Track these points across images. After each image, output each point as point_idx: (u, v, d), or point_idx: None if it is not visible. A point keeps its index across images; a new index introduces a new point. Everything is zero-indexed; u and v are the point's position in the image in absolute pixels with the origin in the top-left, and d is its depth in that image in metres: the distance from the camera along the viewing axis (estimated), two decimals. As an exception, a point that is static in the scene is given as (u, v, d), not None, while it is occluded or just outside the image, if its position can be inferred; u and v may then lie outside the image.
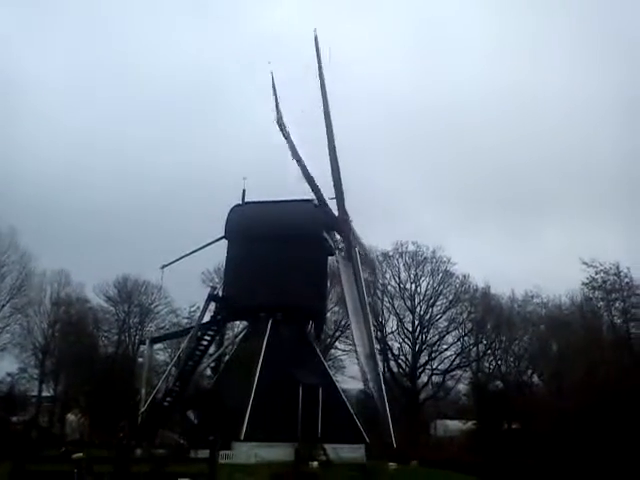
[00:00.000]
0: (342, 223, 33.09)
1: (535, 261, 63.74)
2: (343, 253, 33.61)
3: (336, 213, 33.11)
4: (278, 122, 32.00)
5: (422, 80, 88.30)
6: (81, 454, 14.18)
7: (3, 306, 39.49)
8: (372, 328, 32.07)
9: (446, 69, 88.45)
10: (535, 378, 46.17)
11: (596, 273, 39.60)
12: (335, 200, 32.69)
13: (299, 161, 31.83)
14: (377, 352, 32.54)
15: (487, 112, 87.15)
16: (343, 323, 47.69)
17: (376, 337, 46.55)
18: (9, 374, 48.41)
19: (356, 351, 32.39)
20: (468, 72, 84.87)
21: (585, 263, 39.15)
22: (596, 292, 41.13)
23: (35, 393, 47.59)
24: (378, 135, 72.16)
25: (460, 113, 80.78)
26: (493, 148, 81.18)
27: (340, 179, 31.91)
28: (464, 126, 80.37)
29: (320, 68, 31.85)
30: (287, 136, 32.11)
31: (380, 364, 32.66)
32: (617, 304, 40.61)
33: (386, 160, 73.65)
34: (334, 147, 31.51)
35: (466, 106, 78.25)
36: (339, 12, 79.51)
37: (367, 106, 73.92)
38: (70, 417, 36.31)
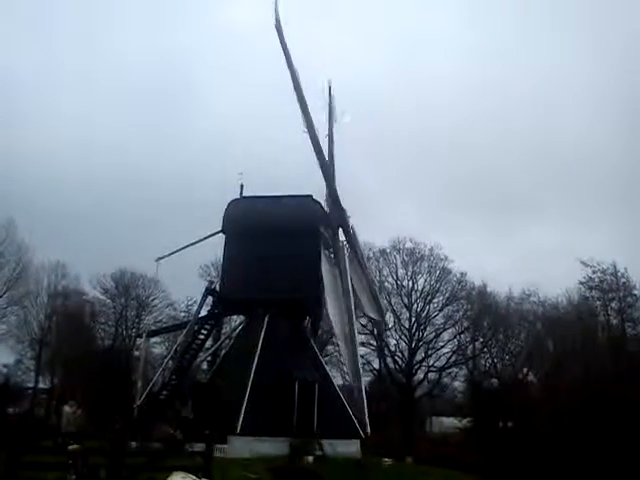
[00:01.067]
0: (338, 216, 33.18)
1: (532, 260, 63.87)
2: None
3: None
4: (277, 26, 30.42)
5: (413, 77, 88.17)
6: (77, 446, 14.16)
7: (0, 297, 39.40)
8: (353, 312, 31.99)
9: (429, 66, 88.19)
10: (531, 376, 46.28)
11: (593, 272, 39.80)
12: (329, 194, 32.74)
13: (291, 67, 30.76)
14: (357, 336, 32.51)
15: (477, 108, 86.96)
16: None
17: (372, 333, 46.93)
18: (5, 365, 48.47)
19: (333, 334, 32.65)
20: (457, 67, 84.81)
21: (583, 262, 39.36)
22: (593, 292, 41.30)
23: (31, 385, 47.64)
24: (369, 133, 72.18)
25: (451, 109, 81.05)
26: (487, 145, 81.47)
27: (333, 173, 31.95)
28: (457, 123, 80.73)
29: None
30: (283, 42, 30.61)
31: (358, 349, 32.64)
32: (614, 304, 40.77)
33: (382, 157, 73.86)
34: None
35: (459, 102, 78.45)
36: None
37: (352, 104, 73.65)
38: (66, 409, 36.37)
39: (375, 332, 46.56)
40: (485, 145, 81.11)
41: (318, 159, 31.50)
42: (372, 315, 37.27)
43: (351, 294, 32.09)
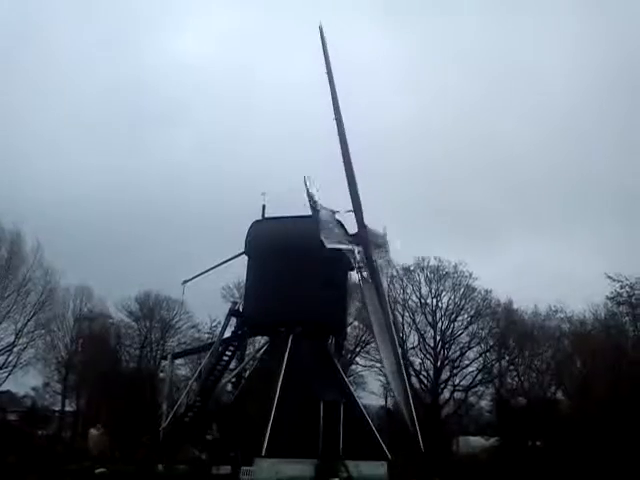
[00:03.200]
0: (361, 237, 32.83)
1: (559, 275, 62.95)
2: (364, 269, 33.28)
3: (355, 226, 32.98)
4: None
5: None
6: (104, 469, 14.24)
7: (28, 321, 39.90)
8: (396, 342, 31.71)
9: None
10: (559, 394, 45.43)
11: (621, 287, 39.05)
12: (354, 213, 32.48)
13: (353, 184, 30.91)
14: (402, 366, 31.98)
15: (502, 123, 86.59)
16: (363, 338, 47.53)
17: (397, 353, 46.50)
18: (33, 388, 49.07)
19: (383, 365, 32.03)
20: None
21: (610, 277, 38.63)
22: (621, 307, 40.55)
23: (58, 407, 48.04)
24: (396, 150, 72.36)
25: (475, 122, 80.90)
26: (514, 160, 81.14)
27: (357, 191, 31.70)
28: (491, 136, 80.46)
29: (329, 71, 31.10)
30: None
31: (405, 377, 32.10)
32: (643, 319, 39.96)
33: (405, 174, 73.81)
34: (350, 160, 31.11)
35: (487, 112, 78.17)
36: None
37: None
38: (92, 432, 36.54)
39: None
40: (513, 161, 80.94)
41: (350, 190, 31.20)
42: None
43: (389, 311, 31.74)
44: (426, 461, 34.41)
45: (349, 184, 31.04)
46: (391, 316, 31.90)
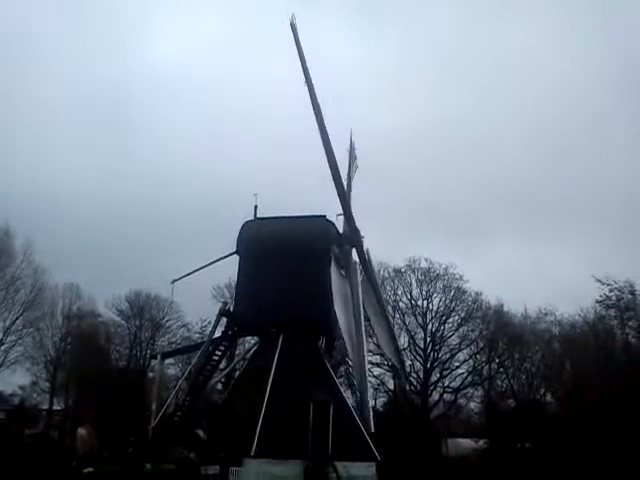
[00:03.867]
0: (353, 236, 33.05)
1: (549, 278, 63.33)
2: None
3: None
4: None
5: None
6: (92, 468, 14.15)
7: (16, 319, 39.78)
8: (363, 330, 31.84)
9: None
10: (548, 397, 45.65)
11: (610, 291, 39.23)
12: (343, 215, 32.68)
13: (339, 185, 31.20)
14: (365, 352, 32.05)
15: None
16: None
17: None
18: (21, 387, 48.76)
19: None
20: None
21: (599, 281, 38.78)
22: (610, 310, 40.74)
23: (46, 406, 47.76)
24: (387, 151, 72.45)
25: (461, 127, 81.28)
26: (507, 167, 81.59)
27: (344, 193, 31.87)
28: (482, 140, 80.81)
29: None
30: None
31: (366, 364, 32.30)
32: (631, 322, 40.16)
33: (394, 174, 73.86)
34: (335, 164, 31.24)
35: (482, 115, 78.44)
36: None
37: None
38: (81, 431, 36.37)
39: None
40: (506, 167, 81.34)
41: (336, 186, 31.38)
42: (389, 356, 37.54)
43: (362, 311, 31.90)
44: (415, 462, 34.54)
45: (336, 186, 31.21)
46: (360, 302, 32.03)
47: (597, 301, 40.30)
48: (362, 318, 31.57)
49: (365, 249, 33.82)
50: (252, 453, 26.06)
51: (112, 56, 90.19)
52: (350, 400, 33.90)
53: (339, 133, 32.18)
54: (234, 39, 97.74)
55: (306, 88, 30.31)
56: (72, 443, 43.96)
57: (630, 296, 39.17)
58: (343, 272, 33.27)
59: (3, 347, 39.36)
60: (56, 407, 47.99)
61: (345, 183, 32.68)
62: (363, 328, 31.50)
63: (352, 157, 34.57)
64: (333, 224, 33.12)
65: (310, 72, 30.05)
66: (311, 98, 30.39)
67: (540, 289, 57.14)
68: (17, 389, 49.52)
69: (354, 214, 32.96)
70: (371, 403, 50.84)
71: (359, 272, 33.06)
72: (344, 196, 32.06)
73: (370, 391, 48.95)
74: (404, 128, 77.69)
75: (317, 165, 31.39)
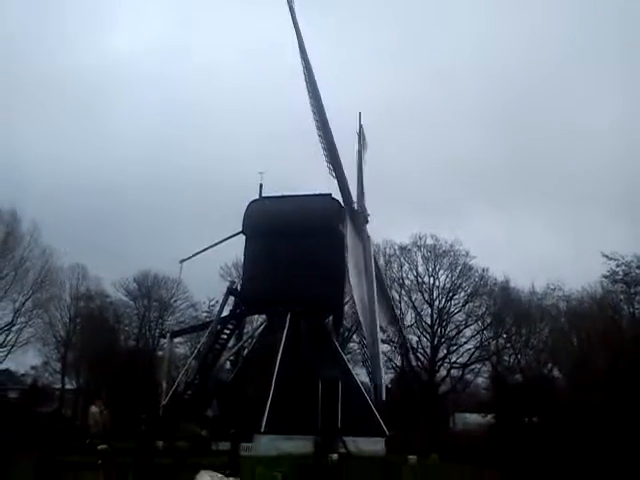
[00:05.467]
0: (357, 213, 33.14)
1: (556, 253, 63.23)
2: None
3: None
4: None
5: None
6: (105, 445, 14.38)
7: (26, 301, 40.07)
8: (375, 300, 32.03)
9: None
10: (555, 371, 45.83)
11: (617, 266, 39.17)
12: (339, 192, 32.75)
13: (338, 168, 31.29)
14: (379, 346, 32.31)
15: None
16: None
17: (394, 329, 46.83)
18: (33, 367, 49.38)
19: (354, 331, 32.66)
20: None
21: (606, 256, 38.72)
22: (617, 285, 40.71)
23: (58, 385, 48.38)
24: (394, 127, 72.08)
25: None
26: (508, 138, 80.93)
27: (343, 174, 31.90)
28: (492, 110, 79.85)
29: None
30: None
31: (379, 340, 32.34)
32: (638, 297, 40.13)
33: (402, 152, 73.54)
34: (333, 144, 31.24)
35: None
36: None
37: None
38: (93, 409, 36.80)
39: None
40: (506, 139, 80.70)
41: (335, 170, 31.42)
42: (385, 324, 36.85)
43: (374, 282, 32.08)
44: (423, 437, 34.85)
45: (333, 167, 31.22)
46: (373, 274, 32.29)
47: (604, 276, 40.32)
48: (375, 290, 31.82)
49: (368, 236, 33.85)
50: (262, 429, 26.46)
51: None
52: (359, 377, 34.16)
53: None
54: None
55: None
56: (84, 421, 44.51)
57: (637, 271, 39.12)
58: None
59: (14, 328, 39.78)
60: (68, 386, 48.61)
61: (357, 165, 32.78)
62: (376, 299, 31.78)
63: (362, 139, 34.54)
64: (339, 202, 33.11)
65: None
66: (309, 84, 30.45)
67: (548, 265, 57.11)
68: (29, 369, 50.25)
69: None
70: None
71: (372, 245, 33.27)
72: (342, 171, 31.99)
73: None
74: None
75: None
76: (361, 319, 31.39)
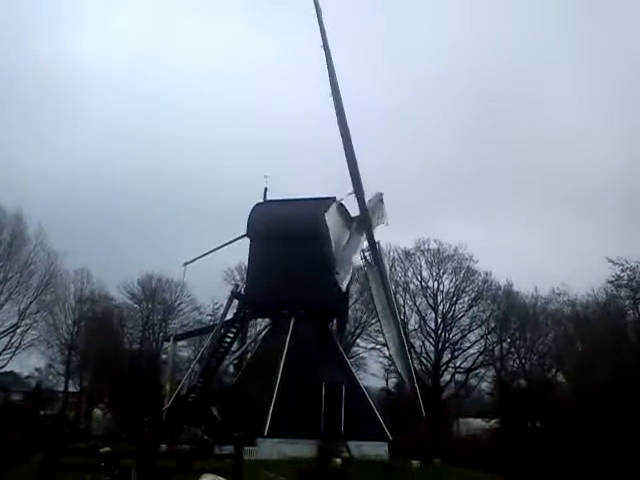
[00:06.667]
0: (362, 221, 33.02)
1: (560, 259, 62.99)
2: (367, 253, 33.63)
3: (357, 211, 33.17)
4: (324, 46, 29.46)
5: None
6: (108, 448, 14.35)
7: (30, 303, 40.12)
8: (399, 322, 32.41)
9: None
10: (560, 376, 45.68)
11: (622, 271, 39.06)
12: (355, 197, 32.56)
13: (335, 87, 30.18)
14: (406, 344, 32.74)
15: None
16: (364, 320, 47.75)
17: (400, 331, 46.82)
18: (37, 369, 49.46)
19: (387, 345, 32.90)
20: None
21: (611, 261, 38.62)
22: (621, 290, 40.59)
23: (62, 388, 48.44)
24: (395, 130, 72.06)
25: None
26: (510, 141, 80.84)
27: (358, 174, 31.65)
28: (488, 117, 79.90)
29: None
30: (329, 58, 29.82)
31: (410, 357, 32.90)
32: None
33: (404, 157, 73.48)
34: (350, 142, 31.01)
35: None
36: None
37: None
38: (96, 412, 36.89)
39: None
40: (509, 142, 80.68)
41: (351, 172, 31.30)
42: (399, 369, 35.02)
43: (395, 305, 32.75)
44: (427, 442, 34.77)
45: (349, 164, 31.02)
46: (393, 298, 32.38)
47: (609, 281, 40.20)
48: (393, 300, 32.11)
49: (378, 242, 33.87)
50: (265, 433, 26.44)
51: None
52: (362, 381, 34.11)
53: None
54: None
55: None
56: (88, 424, 44.63)
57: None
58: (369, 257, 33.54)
59: (19, 330, 39.76)
60: (71, 389, 48.68)
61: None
62: (396, 309, 32.13)
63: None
64: (343, 206, 33.12)
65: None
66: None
67: (552, 270, 56.91)
68: (33, 371, 50.31)
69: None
70: (382, 384, 51.55)
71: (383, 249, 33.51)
72: (357, 176, 31.87)
73: (381, 371, 49.52)
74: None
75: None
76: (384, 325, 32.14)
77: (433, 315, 48.42)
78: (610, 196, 65.57)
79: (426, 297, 48.51)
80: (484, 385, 51.05)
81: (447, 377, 48.89)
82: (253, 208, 33.36)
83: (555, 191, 73.90)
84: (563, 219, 67.39)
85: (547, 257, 63.84)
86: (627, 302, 40.77)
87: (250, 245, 33.13)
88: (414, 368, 47.79)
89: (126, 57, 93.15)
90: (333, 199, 32.71)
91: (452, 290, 48.19)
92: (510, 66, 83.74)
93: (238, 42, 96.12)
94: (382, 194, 34.45)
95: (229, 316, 32.88)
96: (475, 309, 48.22)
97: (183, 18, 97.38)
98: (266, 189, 33.47)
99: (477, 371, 48.89)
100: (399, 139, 77.15)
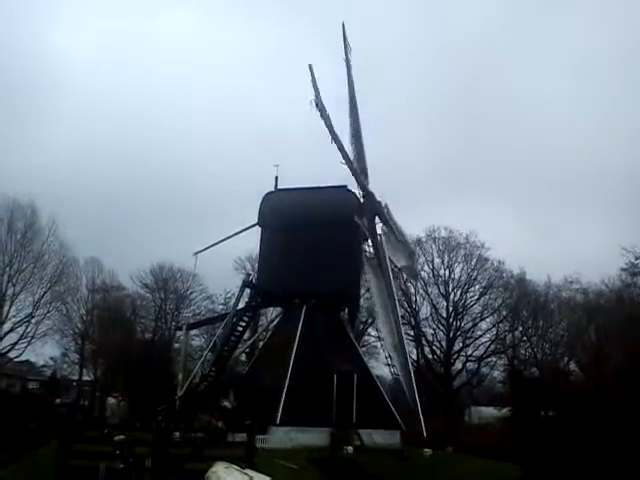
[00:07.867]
0: (370, 209, 32.99)
1: (573, 247, 62.59)
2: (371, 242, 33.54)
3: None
4: (316, 103, 30.09)
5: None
6: (123, 436, 14.49)
7: (44, 293, 40.49)
8: (399, 317, 32.08)
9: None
10: (572, 365, 45.44)
11: (636, 259, 38.67)
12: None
13: (337, 141, 31.01)
14: (405, 340, 32.39)
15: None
16: (376, 309, 47.69)
17: (410, 323, 46.72)
18: (52, 358, 50.02)
19: (382, 339, 32.73)
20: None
21: (624, 248, 38.25)
22: (635, 278, 40.22)
23: (76, 377, 48.95)
24: (407, 116, 71.55)
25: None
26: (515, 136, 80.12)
27: (365, 159, 31.70)
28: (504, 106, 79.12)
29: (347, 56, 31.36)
30: (326, 118, 30.45)
31: (407, 352, 32.48)
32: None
33: (414, 144, 73.11)
34: (359, 132, 31.03)
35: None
36: None
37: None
38: (110, 400, 37.27)
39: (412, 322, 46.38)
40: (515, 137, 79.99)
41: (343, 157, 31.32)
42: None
43: (395, 297, 32.01)
44: (439, 431, 34.77)
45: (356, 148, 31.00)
46: (394, 288, 32.11)
47: (622, 269, 39.84)
48: (394, 292, 31.76)
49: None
50: (277, 421, 26.58)
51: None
52: (374, 369, 34.15)
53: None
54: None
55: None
56: (102, 412, 44.99)
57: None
58: (368, 244, 33.43)
59: (33, 320, 40.16)
60: (86, 378, 49.14)
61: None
62: (397, 304, 31.96)
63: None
64: (354, 194, 33.02)
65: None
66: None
67: (566, 258, 56.56)
68: (48, 360, 50.88)
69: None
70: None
71: (384, 242, 33.14)
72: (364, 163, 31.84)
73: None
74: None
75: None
76: (380, 325, 32.00)
77: (444, 303, 48.24)
78: (622, 182, 65.10)
79: (437, 285, 48.33)
80: (496, 373, 50.82)
81: (459, 365, 48.72)
82: (264, 197, 33.36)
83: (567, 180, 73.53)
84: (576, 207, 67.10)
85: (559, 245, 63.58)
86: (641, 290, 40.41)
87: (261, 234, 33.18)
88: (424, 360, 48.26)
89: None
90: (344, 187, 32.62)
91: (464, 278, 47.97)
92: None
93: (235, 35, 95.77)
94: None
95: (241, 305, 32.99)
96: (487, 297, 47.99)
97: (170, 15, 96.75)
98: (277, 178, 33.45)
99: (489, 359, 48.69)
100: (406, 127, 76.70)
